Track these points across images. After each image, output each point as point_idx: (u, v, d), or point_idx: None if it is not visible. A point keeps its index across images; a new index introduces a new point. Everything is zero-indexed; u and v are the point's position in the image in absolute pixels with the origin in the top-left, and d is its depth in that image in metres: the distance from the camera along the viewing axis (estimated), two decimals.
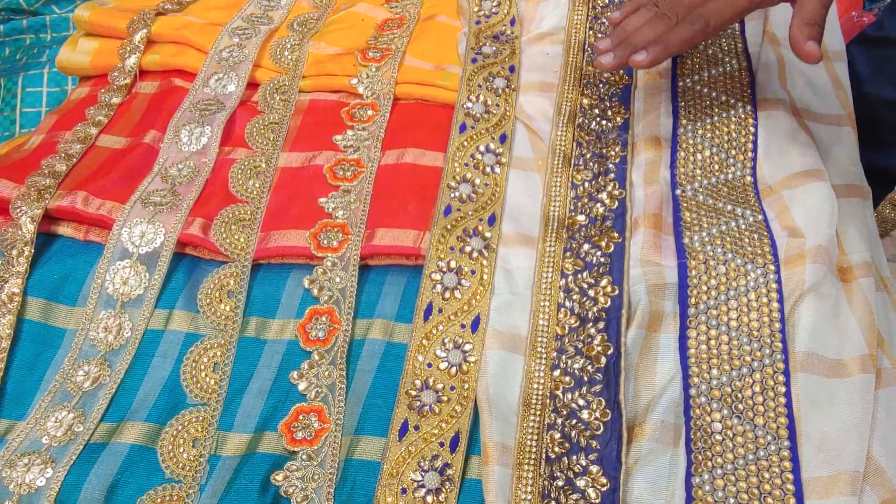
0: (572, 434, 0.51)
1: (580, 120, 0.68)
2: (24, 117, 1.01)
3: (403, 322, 0.58)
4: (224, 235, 0.61)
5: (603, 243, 0.59)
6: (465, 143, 0.65)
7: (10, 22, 1.13)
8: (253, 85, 0.73)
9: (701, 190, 0.62)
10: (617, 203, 0.61)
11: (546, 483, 0.50)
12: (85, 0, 1.11)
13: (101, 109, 0.71)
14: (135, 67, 0.74)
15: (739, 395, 0.52)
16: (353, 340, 0.57)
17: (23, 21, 1.12)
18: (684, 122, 0.66)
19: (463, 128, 0.66)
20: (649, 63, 0.60)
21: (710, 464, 0.49)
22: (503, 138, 0.66)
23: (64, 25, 1.12)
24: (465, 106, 0.68)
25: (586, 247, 0.59)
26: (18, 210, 0.60)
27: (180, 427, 0.53)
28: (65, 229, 0.62)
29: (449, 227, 0.60)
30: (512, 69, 0.71)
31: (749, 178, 0.63)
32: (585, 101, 0.69)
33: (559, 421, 0.52)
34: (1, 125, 1.01)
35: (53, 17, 1.12)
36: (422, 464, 0.51)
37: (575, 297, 0.57)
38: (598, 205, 0.61)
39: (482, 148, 0.65)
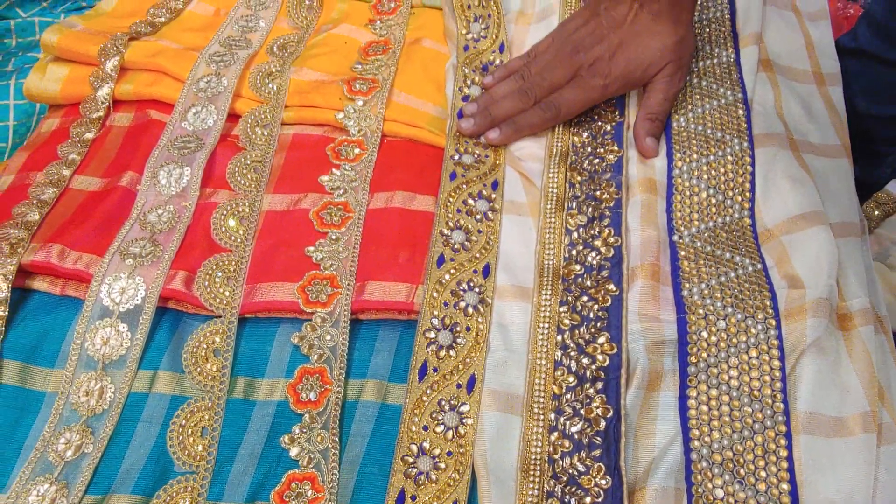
0: (572, 502, 0.50)
1: (572, 159, 0.66)
2: None
3: (397, 382, 0.56)
4: (208, 289, 0.58)
5: (599, 296, 0.57)
6: (457, 191, 0.63)
7: None
8: (233, 116, 0.70)
9: (699, 235, 0.60)
10: (613, 251, 0.59)
11: None
12: (48, 14, 1.07)
13: (73, 147, 0.68)
14: (108, 98, 0.71)
15: (741, 460, 0.51)
16: (346, 402, 0.55)
17: None
18: (680, 163, 0.64)
19: (454, 176, 0.64)
20: (499, 142, 0.67)
21: None
22: (495, 185, 0.64)
23: (30, 30, 1.08)
24: (453, 157, 0.66)
25: (583, 299, 0.58)
26: None
27: (168, 499, 0.51)
28: (40, 284, 0.60)
29: (443, 280, 0.58)
30: None
31: (747, 221, 0.61)
32: (577, 139, 0.67)
33: (559, 488, 0.51)
34: None
35: (18, 21, 1.07)
36: None
37: (572, 354, 0.55)
38: (594, 252, 0.60)
39: (474, 195, 0.63)
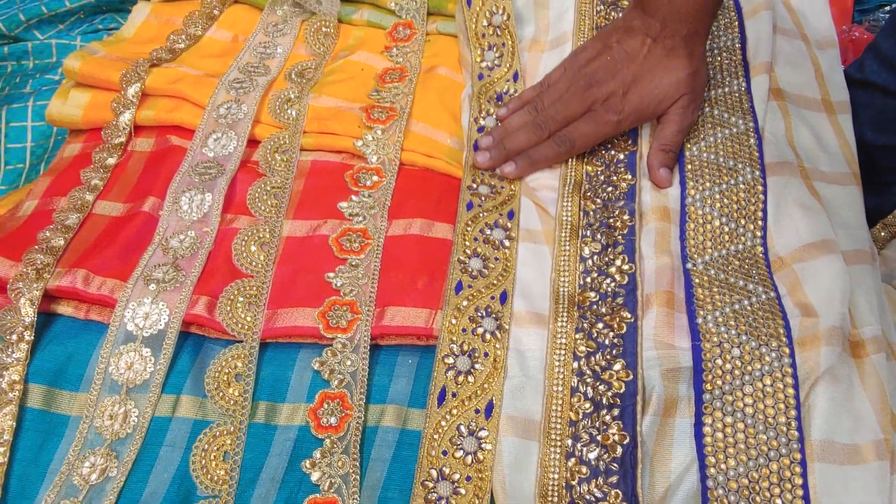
0: None
1: (585, 187, 0.67)
2: (9, 153, 0.98)
3: (417, 407, 0.57)
4: (230, 314, 0.59)
5: (615, 323, 0.58)
6: (474, 220, 0.64)
7: None
8: (252, 141, 0.71)
9: (712, 263, 0.61)
10: (627, 278, 0.60)
11: None
12: (65, 36, 1.09)
13: (96, 172, 0.69)
14: (129, 124, 0.72)
15: (756, 487, 0.52)
16: (366, 427, 0.56)
17: (3, 48, 1.09)
18: (693, 192, 0.65)
19: (470, 206, 0.65)
20: (515, 175, 0.68)
21: None
22: (511, 215, 0.65)
23: (47, 52, 1.09)
24: (470, 187, 0.67)
25: (598, 326, 0.58)
26: (17, 291, 0.59)
27: None
28: (65, 308, 0.61)
29: (461, 306, 0.59)
30: None
31: (760, 249, 0.62)
32: (590, 168, 0.68)
33: None
34: None
35: (35, 43, 1.09)
36: None
37: (588, 380, 0.56)
38: (608, 279, 0.61)
39: (491, 224, 0.64)
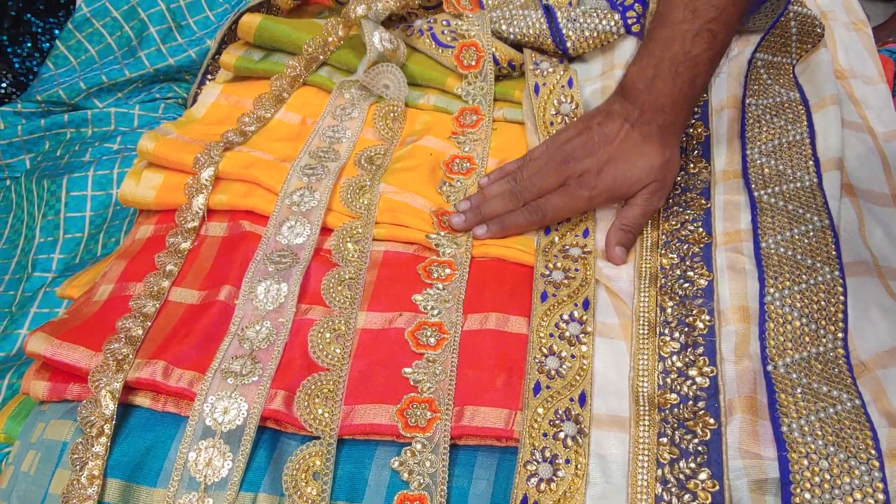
0: None
1: (662, 282, 0.67)
2: (68, 222, 0.99)
3: None
4: (308, 410, 0.59)
5: (698, 429, 0.57)
6: (548, 312, 0.64)
7: (51, 115, 1.12)
8: (324, 228, 0.72)
9: (794, 367, 0.61)
10: (708, 381, 0.60)
11: None
12: (123, 105, 1.11)
13: (170, 257, 0.70)
14: (203, 208, 0.73)
15: None
16: None
17: (63, 115, 1.11)
18: (772, 289, 0.65)
19: (544, 296, 0.65)
20: (485, 237, 0.70)
21: None
22: (586, 304, 0.65)
23: (105, 120, 1.12)
24: (543, 275, 0.67)
25: (681, 431, 0.58)
26: (97, 383, 0.59)
27: None
28: (142, 399, 0.61)
29: (541, 409, 0.58)
30: (586, 233, 0.70)
31: (841, 351, 0.62)
32: (665, 261, 0.68)
33: None
34: (44, 230, 0.99)
35: (95, 111, 1.11)
36: None
37: (673, 489, 0.55)
38: (689, 382, 0.60)
39: (566, 316, 0.64)
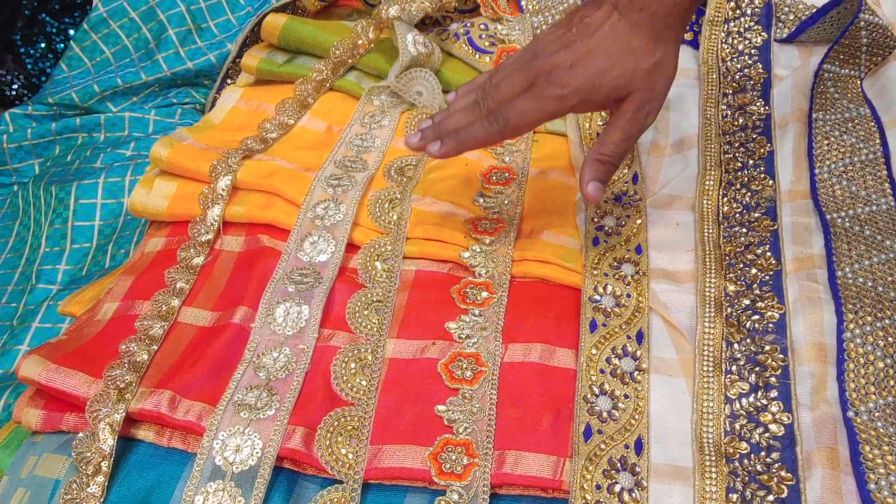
0: None
1: (728, 311, 0.60)
2: (76, 232, 0.93)
3: None
4: (329, 450, 0.52)
5: (773, 484, 0.50)
6: (599, 345, 0.57)
7: (63, 119, 1.07)
8: (350, 245, 0.65)
9: (878, 414, 0.54)
10: (783, 430, 0.53)
11: None
12: (138, 109, 1.05)
13: (181, 273, 0.63)
14: (218, 220, 0.67)
15: None
16: None
17: (76, 119, 1.06)
18: (851, 325, 0.58)
19: (594, 326, 0.58)
20: (440, 155, 0.59)
21: None
22: (640, 337, 0.58)
23: (119, 125, 1.06)
24: (592, 299, 0.60)
25: (753, 486, 0.51)
26: (95, 414, 0.53)
27: None
28: (145, 433, 0.54)
29: (592, 457, 0.52)
30: (639, 250, 0.64)
31: None
32: (731, 287, 0.61)
33: None
34: (50, 239, 0.93)
35: (108, 115, 1.06)
36: None
37: None
38: (761, 429, 0.53)
39: (618, 350, 0.57)
